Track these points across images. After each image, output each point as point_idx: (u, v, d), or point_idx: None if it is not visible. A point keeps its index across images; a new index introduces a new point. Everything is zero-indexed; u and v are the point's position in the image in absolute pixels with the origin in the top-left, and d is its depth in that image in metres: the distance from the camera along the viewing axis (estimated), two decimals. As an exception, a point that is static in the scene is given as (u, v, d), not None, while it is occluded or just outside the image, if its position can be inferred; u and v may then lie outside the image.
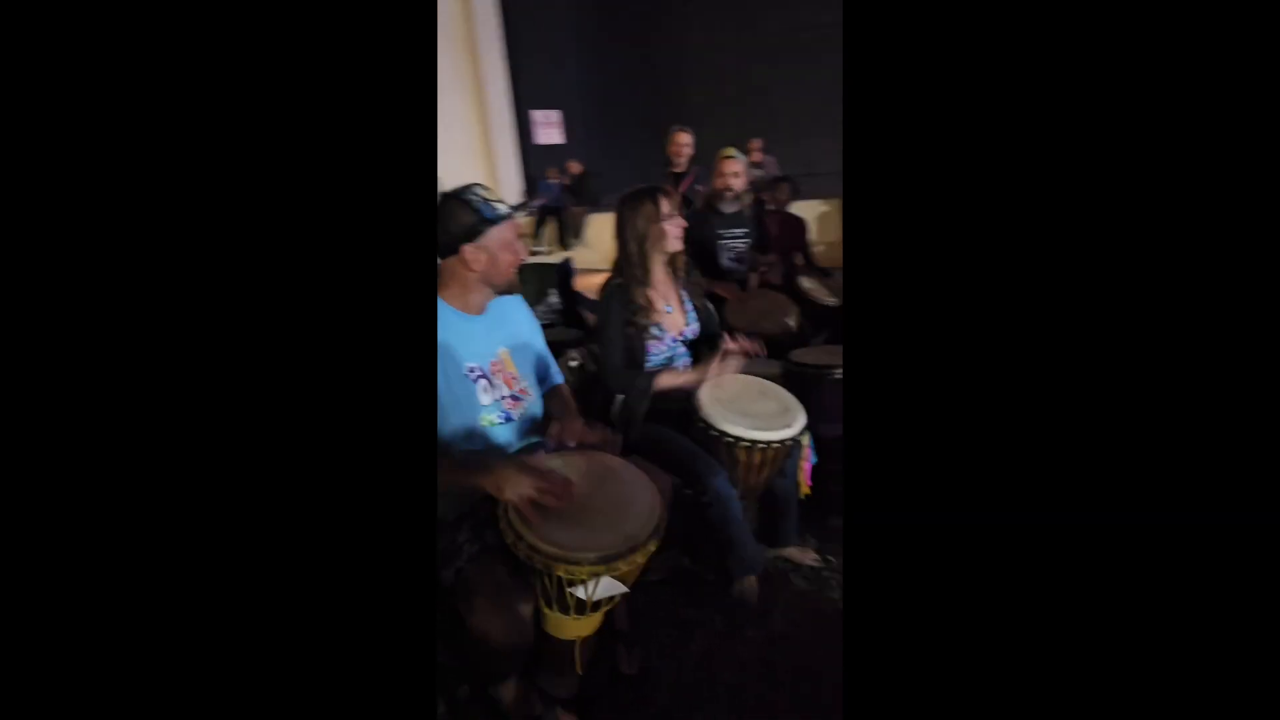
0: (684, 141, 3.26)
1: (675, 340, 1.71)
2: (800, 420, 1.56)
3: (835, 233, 5.50)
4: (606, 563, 1.06)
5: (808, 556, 1.78)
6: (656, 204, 1.63)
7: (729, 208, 2.70)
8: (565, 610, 1.15)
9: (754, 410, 1.57)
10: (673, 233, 1.65)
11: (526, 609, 1.12)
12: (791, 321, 2.54)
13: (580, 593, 1.10)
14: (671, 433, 1.61)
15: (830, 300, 2.86)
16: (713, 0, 8.79)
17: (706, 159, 2.95)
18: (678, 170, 3.29)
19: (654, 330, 1.65)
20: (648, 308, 1.64)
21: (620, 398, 1.64)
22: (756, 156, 6.06)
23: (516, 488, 1.09)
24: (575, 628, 1.22)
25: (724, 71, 8.92)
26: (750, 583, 1.64)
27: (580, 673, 1.26)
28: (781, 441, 1.52)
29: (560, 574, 1.07)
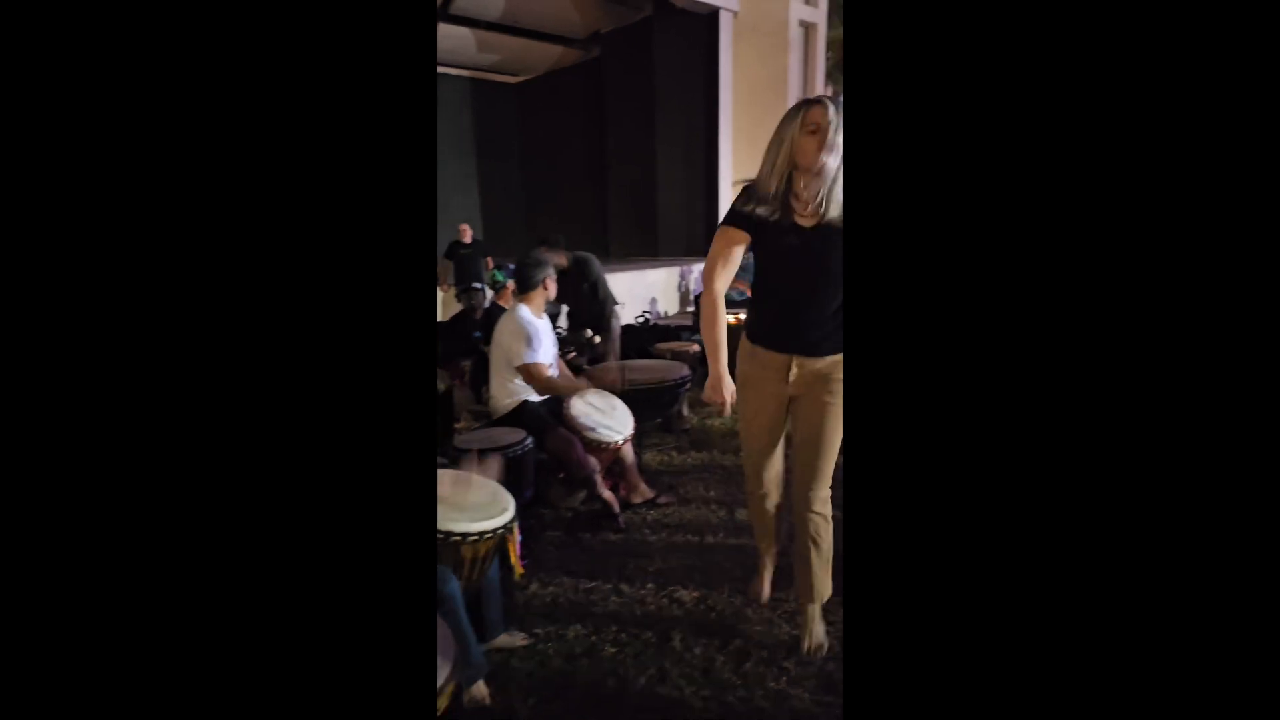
0: None
1: None
2: (511, 501, 1.60)
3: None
4: None
5: (517, 639, 1.78)
6: None
7: None
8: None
9: (469, 503, 1.54)
10: None
11: None
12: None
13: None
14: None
15: (440, 386, 2.90)
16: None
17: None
18: None
19: None
20: None
21: None
22: None
23: None
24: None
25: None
26: (480, 688, 1.55)
27: None
28: (504, 526, 1.53)
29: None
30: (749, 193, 1.53)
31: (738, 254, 1.55)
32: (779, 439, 1.70)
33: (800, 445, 1.63)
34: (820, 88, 9.13)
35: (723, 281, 1.56)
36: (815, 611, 1.70)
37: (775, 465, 1.73)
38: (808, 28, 8.77)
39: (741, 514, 2.52)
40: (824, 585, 1.66)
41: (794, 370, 1.57)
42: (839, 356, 1.55)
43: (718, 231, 1.55)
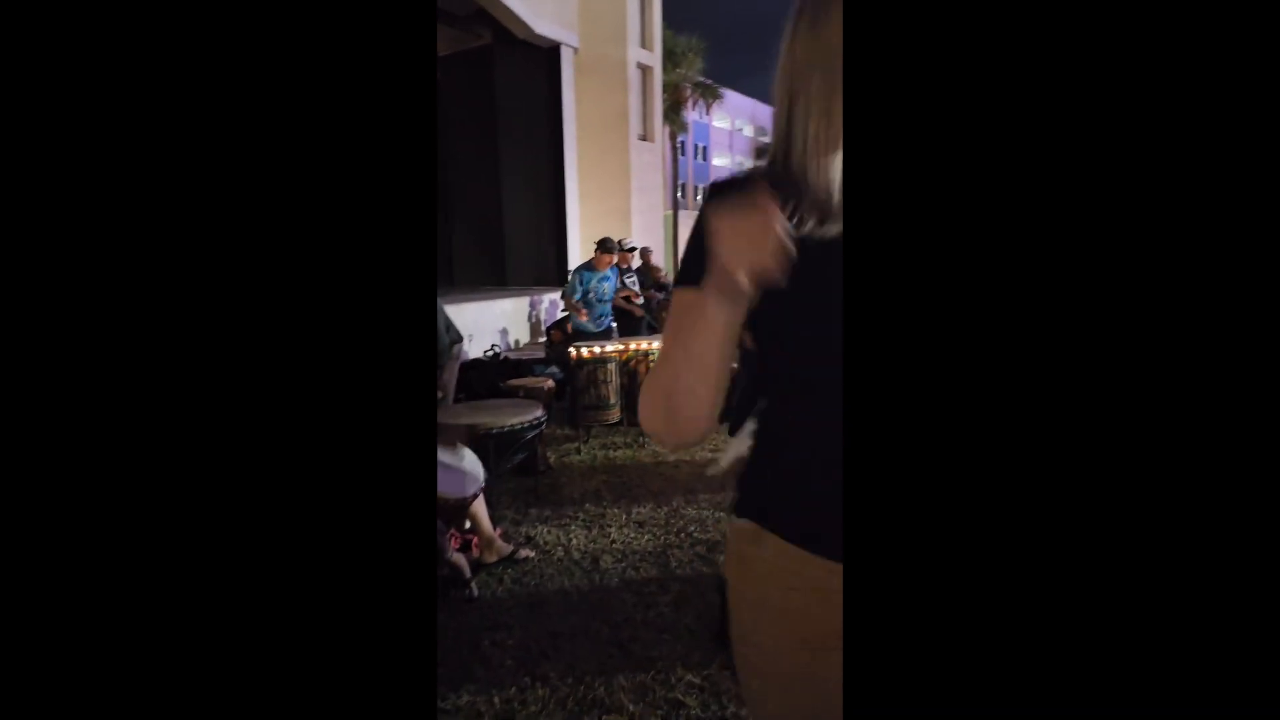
0: None
1: None
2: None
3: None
4: None
5: None
6: None
7: None
8: None
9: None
10: None
11: None
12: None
13: None
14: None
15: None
16: None
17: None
18: None
19: None
20: None
21: None
22: None
23: None
24: None
25: None
26: None
27: None
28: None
29: None
30: (743, 185, 0.60)
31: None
32: None
33: None
34: (659, 128, 9.55)
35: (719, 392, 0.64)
36: None
37: None
38: (645, 70, 9.16)
39: (609, 558, 2.37)
40: None
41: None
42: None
43: (676, 299, 0.64)
